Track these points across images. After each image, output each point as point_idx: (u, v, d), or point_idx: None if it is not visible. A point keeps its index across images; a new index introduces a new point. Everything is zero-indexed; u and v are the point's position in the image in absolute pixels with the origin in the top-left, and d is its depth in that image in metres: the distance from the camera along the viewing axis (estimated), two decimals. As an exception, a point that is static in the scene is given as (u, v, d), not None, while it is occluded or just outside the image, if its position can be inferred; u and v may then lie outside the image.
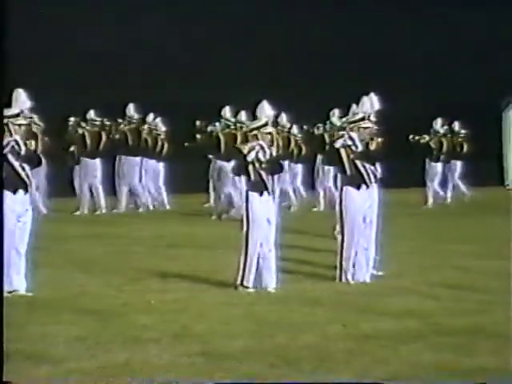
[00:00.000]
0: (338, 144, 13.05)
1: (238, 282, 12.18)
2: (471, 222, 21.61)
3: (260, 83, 26.99)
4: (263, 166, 12.25)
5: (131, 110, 24.67)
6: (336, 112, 22.56)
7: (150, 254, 15.75)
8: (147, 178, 24.75)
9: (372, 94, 13.18)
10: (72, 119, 23.97)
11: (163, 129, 25.19)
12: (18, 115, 11.94)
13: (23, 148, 11.90)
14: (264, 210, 12.32)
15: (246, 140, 21.13)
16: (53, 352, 8.79)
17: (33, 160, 12.22)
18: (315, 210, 24.22)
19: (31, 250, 14.14)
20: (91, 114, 24.05)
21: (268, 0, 31.36)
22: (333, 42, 31.10)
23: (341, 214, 12.87)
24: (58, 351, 8.83)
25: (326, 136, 23.66)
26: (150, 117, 24.94)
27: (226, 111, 23.18)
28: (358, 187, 12.81)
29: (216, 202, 23.58)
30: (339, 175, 13.34)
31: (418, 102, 28.33)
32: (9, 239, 11.51)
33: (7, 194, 11.57)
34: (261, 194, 12.26)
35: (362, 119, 13.04)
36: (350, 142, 12.88)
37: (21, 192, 11.89)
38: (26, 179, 11.95)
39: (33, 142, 12.46)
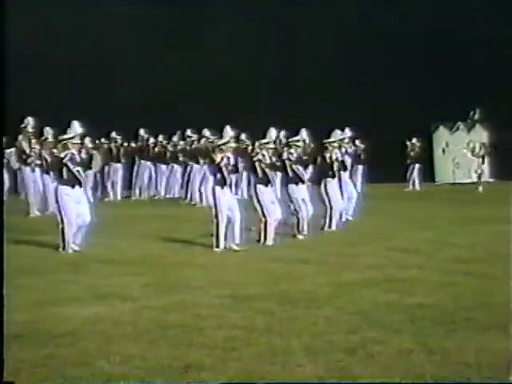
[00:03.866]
0: (254, 158, 14.03)
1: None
2: (412, 206, 21.34)
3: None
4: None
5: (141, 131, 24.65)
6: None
7: (189, 228, 15.33)
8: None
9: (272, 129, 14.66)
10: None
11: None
12: (73, 137, 12.71)
13: (78, 157, 12.59)
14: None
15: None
16: (131, 294, 8.88)
17: (84, 165, 12.85)
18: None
19: (111, 226, 14.45)
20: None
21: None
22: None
23: (258, 201, 13.50)
24: (134, 293, 8.90)
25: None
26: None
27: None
28: (266, 185, 13.59)
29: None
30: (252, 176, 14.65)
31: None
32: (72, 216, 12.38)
33: (68, 188, 12.40)
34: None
35: (268, 143, 14.06)
36: (261, 157, 13.76)
37: (77, 187, 12.48)
38: (81, 178, 12.58)
39: (82, 154, 13.10)
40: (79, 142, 12.95)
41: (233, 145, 13.57)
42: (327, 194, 15.36)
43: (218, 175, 12.81)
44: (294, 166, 14.42)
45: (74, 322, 7.47)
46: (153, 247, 12.89)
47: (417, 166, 28.24)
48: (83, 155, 13.02)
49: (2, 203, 8.98)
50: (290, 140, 15.10)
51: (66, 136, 12.86)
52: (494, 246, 12.29)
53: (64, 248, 12.32)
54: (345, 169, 16.57)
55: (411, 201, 23.35)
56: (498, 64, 27.10)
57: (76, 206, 12.44)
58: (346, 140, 17.28)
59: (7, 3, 7.63)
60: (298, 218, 14.32)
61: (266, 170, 13.59)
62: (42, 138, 19.18)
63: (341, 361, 6.17)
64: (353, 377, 5.83)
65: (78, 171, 12.53)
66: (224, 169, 12.78)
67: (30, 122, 19.43)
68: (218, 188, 12.79)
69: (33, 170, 19.15)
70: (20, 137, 19.39)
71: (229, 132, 13.53)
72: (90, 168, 13.76)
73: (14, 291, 8.71)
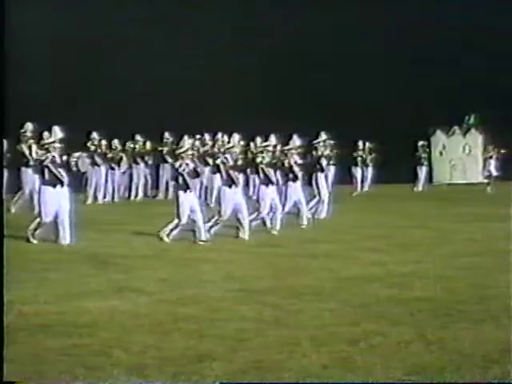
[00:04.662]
0: (218, 160, 14.53)
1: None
2: (412, 205, 21.44)
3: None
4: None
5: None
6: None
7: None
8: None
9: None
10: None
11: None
12: (54, 142, 13.24)
13: (58, 160, 13.05)
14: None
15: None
16: (147, 287, 8.93)
17: (65, 167, 13.18)
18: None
19: (129, 224, 14.56)
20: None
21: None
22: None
23: (218, 201, 14.15)
24: (150, 287, 8.97)
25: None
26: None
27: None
28: (230, 186, 13.92)
29: None
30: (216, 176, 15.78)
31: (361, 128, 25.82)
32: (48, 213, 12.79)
33: (50, 188, 12.87)
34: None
35: (233, 147, 14.52)
36: (224, 160, 14.18)
37: (58, 186, 12.90)
38: (62, 178, 12.97)
39: (64, 157, 13.36)
40: (59, 145, 13.34)
41: (190, 152, 14.15)
42: (286, 194, 15.78)
43: (180, 180, 13.36)
44: (265, 170, 14.90)
45: (94, 314, 7.58)
46: (166, 244, 12.95)
47: (424, 168, 28.81)
48: (65, 158, 13.34)
49: (2, 203, 9.04)
50: (261, 145, 15.66)
51: (47, 140, 13.60)
52: (489, 242, 12.46)
53: (28, 240, 12.72)
54: (321, 170, 17.07)
55: (411, 200, 23.35)
56: (494, 68, 27.24)
57: (56, 203, 12.84)
58: (321, 144, 17.59)
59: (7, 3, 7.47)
60: (264, 218, 14.73)
61: (230, 171, 13.97)
62: (41, 143, 19.53)
63: (344, 351, 6.28)
64: (355, 366, 5.93)
65: (59, 172, 12.99)
66: (185, 174, 13.32)
67: (29, 126, 20.04)
68: (181, 192, 13.35)
69: (33, 172, 19.66)
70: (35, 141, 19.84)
71: (187, 141, 14.10)
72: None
73: (38, 285, 8.97)
